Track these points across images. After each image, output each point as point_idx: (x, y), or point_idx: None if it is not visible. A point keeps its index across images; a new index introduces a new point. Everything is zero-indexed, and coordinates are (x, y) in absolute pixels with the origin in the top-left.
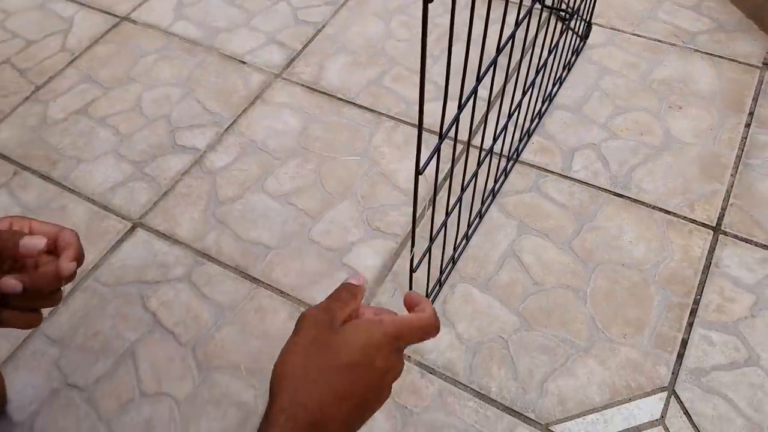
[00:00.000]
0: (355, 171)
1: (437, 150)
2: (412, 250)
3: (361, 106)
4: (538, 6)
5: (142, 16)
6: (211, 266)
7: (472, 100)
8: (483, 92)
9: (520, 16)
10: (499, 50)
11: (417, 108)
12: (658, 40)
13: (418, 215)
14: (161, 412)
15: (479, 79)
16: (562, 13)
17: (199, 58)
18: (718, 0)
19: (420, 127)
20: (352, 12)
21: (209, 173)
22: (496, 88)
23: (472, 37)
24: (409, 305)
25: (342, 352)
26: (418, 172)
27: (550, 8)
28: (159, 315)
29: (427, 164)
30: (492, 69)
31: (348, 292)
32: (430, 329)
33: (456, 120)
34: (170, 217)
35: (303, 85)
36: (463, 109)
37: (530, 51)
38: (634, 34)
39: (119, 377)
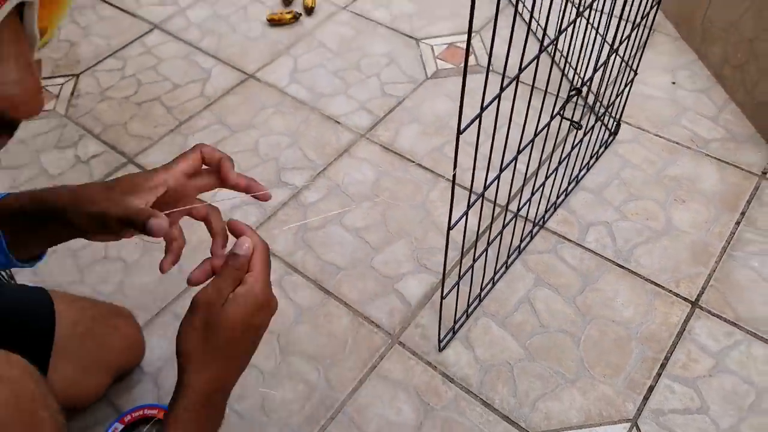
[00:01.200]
0: (413, 218)
1: (466, 213)
2: (443, 288)
3: (424, 168)
4: (578, 103)
5: (265, 76)
6: (296, 277)
7: (511, 171)
8: (521, 167)
9: (555, 110)
10: (536, 133)
11: (469, 174)
12: (677, 143)
13: (462, 260)
14: (249, 379)
15: (516, 156)
16: (596, 112)
17: (305, 115)
18: (735, 114)
19: (452, 192)
20: (427, 90)
21: (302, 206)
22: (533, 166)
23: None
24: (235, 232)
25: (229, 328)
26: (449, 227)
27: (585, 106)
28: None
29: (456, 223)
30: (530, 149)
31: (232, 269)
32: (267, 258)
33: (485, 185)
34: (270, 236)
35: (381, 145)
36: (497, 177)
37: (564, 141)
38: (657, 135)
39: None
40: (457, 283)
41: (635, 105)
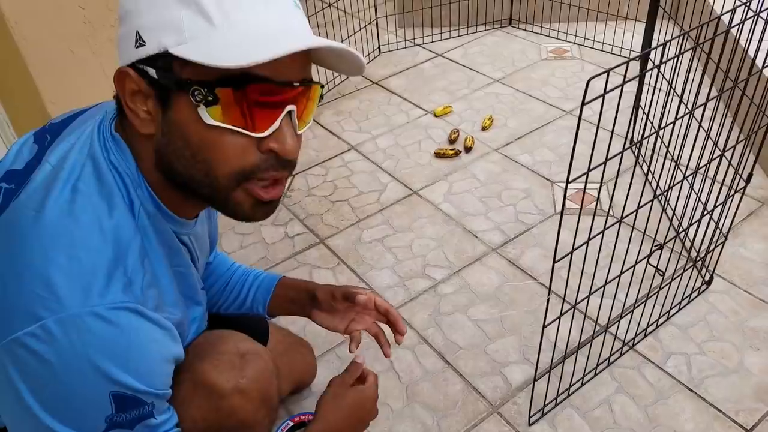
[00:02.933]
0: (525, 321)
1: (559, 318)
2: (536, 371)
3: (540, 284)
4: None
5: (426, 194)
6: (426, 347)
7: (612, 298)
8: (627, 300)
9: (651, 258)
10: (621, 272)
11: (581, 294)
12: (762, 300)
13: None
14: (382, 412)
15: (604, 286)
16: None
17: (451, 227)
18: None
19: (548, 301)
20: (553, 223)
21: (438, 296)
22: (633, 298)
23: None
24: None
25: (345, 403)
26: (544, 325)
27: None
28: (397, 367)
29: (549, 324)
30: (629, 283)
31: (354, 370)
32: (377, 380)
33: (576, 301)
34: (413, 313)
35: (508, 260)
36: (587, 297)
37: (664, 283)
38: (746, 291)
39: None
40: (549, 372)
41: (731, 263)
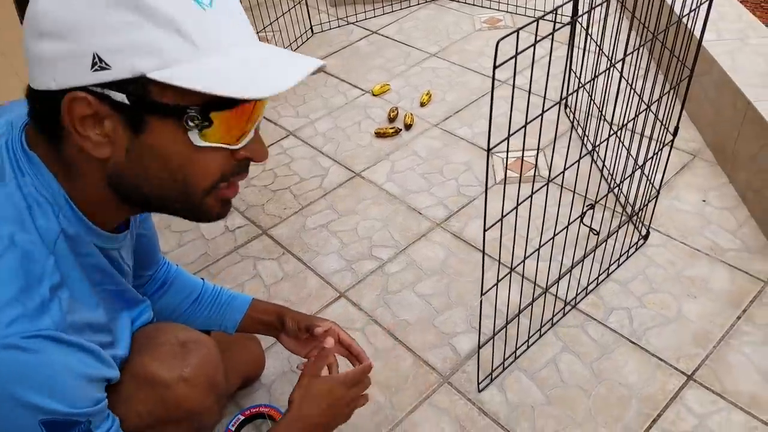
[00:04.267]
0: (470, 291)
1: (496, 285)
2: (479, 339)
3: (486, 254)
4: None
5: (368, 175)
6: (376, 327)
7: (555, 260)
8: (566, 261)
9: (584, 217)
10: (555, 234)
11: (521, 259)
12: (698, 250)
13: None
14: None
15: (538, 249)
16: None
17: (395, 206)
18: (753, 229)
19: (482, 267)
20: (495, 192)
21: (385, 275)
22: (572, 259)
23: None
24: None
25: (316, 395)
26: (482, 293)
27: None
28: None
29: (487, 291)
30: (565, 242)
31: (323, 359)
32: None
33: (512, 265)
34: (361, 295)
35: (452, 234)
36: (522, 261)
37: (601, 242)
38: (682, 243)
39: None
40: (492, 338)
41: (667, 216)
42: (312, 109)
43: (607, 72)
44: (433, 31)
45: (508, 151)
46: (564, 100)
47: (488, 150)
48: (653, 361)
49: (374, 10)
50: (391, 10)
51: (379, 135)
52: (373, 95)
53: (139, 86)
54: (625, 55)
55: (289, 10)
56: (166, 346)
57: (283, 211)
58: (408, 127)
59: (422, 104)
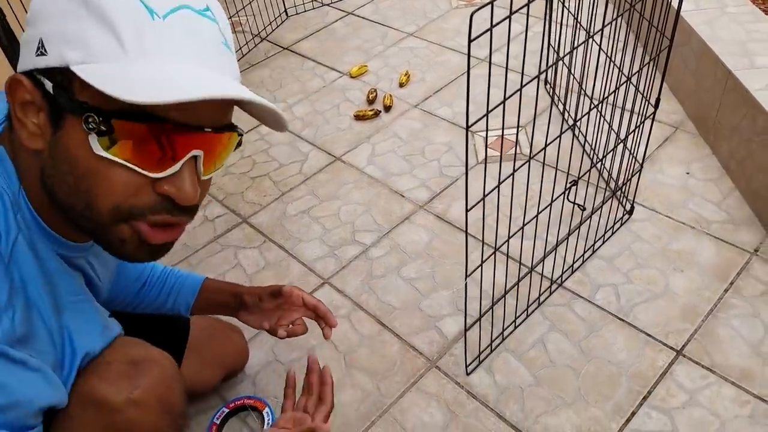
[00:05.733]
0: (455, 273)
1: (481, 265)
2: (465, 321)
3: (470, 234)
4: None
5: (349, 159)
6: (361, 313)
7: (540, 239)
8: (551, 239)
9: (568, 194)
10: (539, 211)
11: (511, 241)
12: (683, 223)
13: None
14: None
15: (522, 227)
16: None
17: (377, 189)
18: (737, 201)
19: (466, 247)
20: (477, 172)
21: (369, 260)
22: (557, 236)
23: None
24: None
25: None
26: (467, 274)
27: (609, 192)
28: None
29: (472, 272)
30: (548, 220)
31: (313, 395)
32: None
33: (496, 245)
34: (345, 281)
35: (436, 215)
36: (506, 240)
37: (585, 218)
38: (666, 216)
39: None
40: (479, 320)
41: (651, 190)
42: (289, 93)
43: (585, 45)
44: (409, 11)
45: (487, 130)
46: (543, 75)
47: (467, 128)
48: (642, 338)
49: None
50: None
51: (359, 118)
52: (351, 77)
53: (64, 78)
54: (603, 26)
55: None
56: (115, 365)
57: (263, 199)
58: (387, 108)
59: (401, 85)
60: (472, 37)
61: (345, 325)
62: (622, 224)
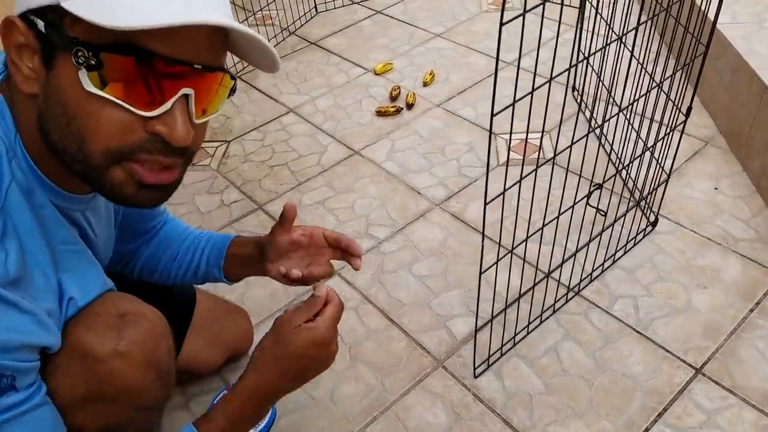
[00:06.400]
0: (469, 273)
1: (496, 264)
2: (476, 322)
3: (486, 235)
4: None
5: (368, 153)
6: (369, 306)
7: (559, 244)
8: (571, 246)
9: (589, 200)
10: (560, 213)
11: (529, 244)
12: (709, 239)
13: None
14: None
15: (541, 228)
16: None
17: (394, 185)
18: (767, 218)
19: (482, 246)
20: (497, 174)
21: (381, 254)
22: (578, 242)
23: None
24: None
25: (290, 348)
26: (481, 272)
27: (631, 202)
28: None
29: (486, 270)
30: (569, 226)
31: (309, 305)
32: (338, 313)
33: (513, 245)
34: (355, 273)
35: (452, 214)
36: (524, 240)
37: (607, 225)
38: (692, 231)
39: None
40: (491, 322)
41: (677, 203)
42: (313, 86)
43: (615, 50)
44: (438, 12)
45: (511, 133)
46: (572, 83)
47: (491, 118)
48: (660, 353)
49: None
50: None
51: (380, 113)
52: (376, 74)
53: (56, 16)
54: (638, 25)
55: None
56: (103, 317)
57: (279, 187)
58: (410, 106)
59: (425, 84)
60: (503, 21)
61: (352, 318)
62: (645, 235)
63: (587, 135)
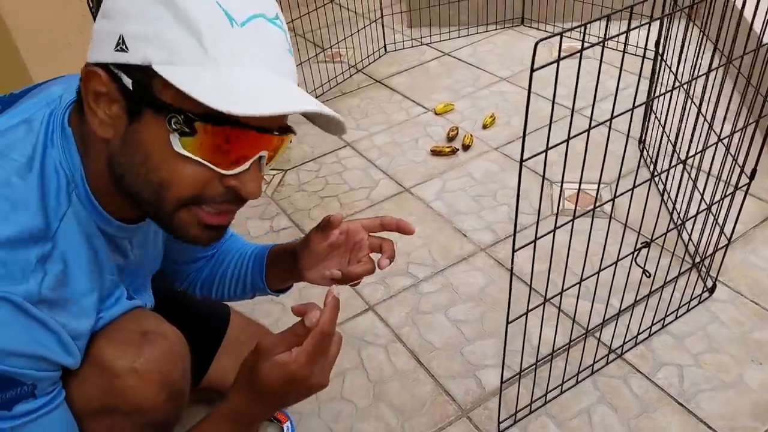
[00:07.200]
0: (504, 319)
1: (526, 314)
2: (502, 372)
3: (526, 283)
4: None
5: (418, 191)
6: (399, 345)
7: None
8: (617, 304)
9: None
10: (600, 269)
11: (572, 300)
12: None
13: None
14: (345, 409)
15: (580, 282)
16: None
17: (440, 225)
18: None
19: (510, 293)
20: (549, 224)
21: (418, 294)
22: (630, 301)
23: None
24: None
25: (260, 383)
26: (508, 321)
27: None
28: (368, 364)
29: (514, 320)
30: (611, 284)
31: (293, 333)
32: (318, 345)
33: (545, 296)
34: (390, 310)
35: (496, 260)
36: (560, 292)
37: (661, 290)
38: (752, 301)
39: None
40: (519, 375)
41: (739, 271)
42: (373, 122)
43: (684, 101)
44: (507, 57)
45: (563, 181)
46: (640, 136)
47: (521, 161)
48: (701, 428)
49: (449, 32)
50: (467, 34)
51: (435, 153)
52: (436, 114)
53: (145, 76)
54: (707, 73)
55: (363, 27)
56: (125, 333)
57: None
58: (466, 148)
59: (485, 126)
60: (534, 67)
61: (381, 355)
62: (700, 302)
63: (640, 185)
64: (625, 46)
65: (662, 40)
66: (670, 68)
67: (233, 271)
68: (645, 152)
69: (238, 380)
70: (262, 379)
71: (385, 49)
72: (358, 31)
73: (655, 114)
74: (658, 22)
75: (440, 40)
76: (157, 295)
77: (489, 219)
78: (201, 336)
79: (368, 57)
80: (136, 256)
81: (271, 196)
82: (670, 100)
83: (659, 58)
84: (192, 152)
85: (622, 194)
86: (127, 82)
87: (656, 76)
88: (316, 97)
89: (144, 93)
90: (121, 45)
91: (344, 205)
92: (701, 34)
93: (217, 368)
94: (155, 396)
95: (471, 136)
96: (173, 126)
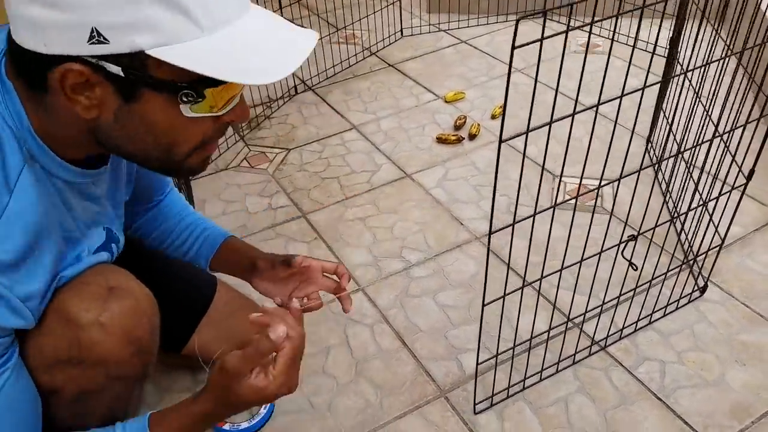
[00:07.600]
0: (494, 311)
1: (503, 297)
2: (478, 354)
3: (514, 271)
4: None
5: (419, 178)
6: (386, 326)
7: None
8: (605, 297)
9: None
10: (582, 259)
11: (560, 292)
12: (760, 315)
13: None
14: (325, 383)
15: (561, 270)
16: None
17: (438, 213)
18: None
19: (485, 278)
20: (548, 216)
21: (409, 278)
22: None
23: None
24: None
25: (233, 400)
26: (484, 304)
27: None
28: (352, 342)
29: (489, 303)
30: (608, 283)
31: (257, 351)
32: (291, 362)
33: (524, 280)
34: (379, 292)
35: (491, 250)
36: (540, 279)
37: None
38: (743, 304)
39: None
40: (495, 357)
41: (734, 273)
42: (381, 107)
43: (693, 96)
44: (524, 48)
45: (562, 173)
46: (649, 138)
47: (500, 141)
48: (677, 424)
49: (469, 20)
50: (487, 23)
51: (441, 140)
52: (446, 102)
53: (136, 60)
54: (707, 64)
55: (381, 9)
56: (92, 287)
57: (326, 199)
58: (472, 137)
59: (493, 116)
60: (515, 45)
61: (366, 334)
62: (690, 301)
63: (629, 175)
64: (635, 41)
65: (679, 37)
66: (680, 63)
67: (177, 237)
68: (651, 151)
69: (210, 392)
70: (239, 398)
71: (402, 33)
72: (374, 12)
73: (664, 112)
74: (672, 19)
75: (458, 27)
76: (140, 258)
77: (488, 209)
78: (185, 303)
79: (383, 40)
80: (108, 200)
81: (272, 173)
82: (679, 98)
83: (672, 56)
84: (200, 112)
85: (609, 183)
86: (115, 69)
87: (671, 72)
88: (326, 78)
89: (141, 76)
90: (97, 37)
91: (344, 188)
92: (714, 31)
93: (201, 338)
94: (120, 350)
95: (478, 125)
96: (183, 99)
